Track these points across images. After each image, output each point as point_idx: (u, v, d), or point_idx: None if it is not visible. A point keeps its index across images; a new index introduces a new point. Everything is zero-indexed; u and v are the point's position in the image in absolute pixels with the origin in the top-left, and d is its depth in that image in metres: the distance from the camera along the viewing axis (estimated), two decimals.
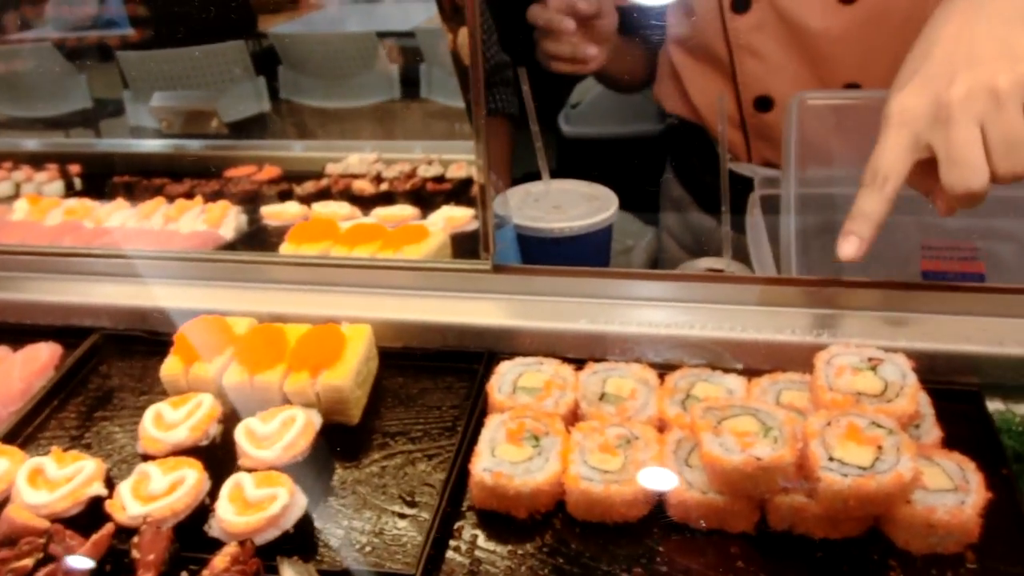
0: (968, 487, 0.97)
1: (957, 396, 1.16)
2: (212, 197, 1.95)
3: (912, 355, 1.15)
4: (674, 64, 1.73)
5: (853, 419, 1.00)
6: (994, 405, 1.18)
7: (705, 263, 1.61)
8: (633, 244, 2.38)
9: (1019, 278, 1.45)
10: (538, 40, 1.58)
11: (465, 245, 1.64)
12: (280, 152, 2.27)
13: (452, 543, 1.05)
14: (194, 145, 2.38)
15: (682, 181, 1.98)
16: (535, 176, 1.68)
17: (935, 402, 1.12)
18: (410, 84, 2.79)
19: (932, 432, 1.07)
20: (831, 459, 0.96)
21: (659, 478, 1.03)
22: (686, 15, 1.65)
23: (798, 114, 1.61)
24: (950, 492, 0.97)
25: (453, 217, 1.73)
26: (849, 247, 1.06)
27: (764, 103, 1.65)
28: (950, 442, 1.06)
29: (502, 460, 1.07)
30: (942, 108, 0.98)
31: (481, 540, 1.05)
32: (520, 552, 1.02)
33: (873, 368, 1.09)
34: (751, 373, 1.21)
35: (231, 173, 2.08)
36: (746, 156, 1.75)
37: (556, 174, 1.69)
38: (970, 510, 0.95)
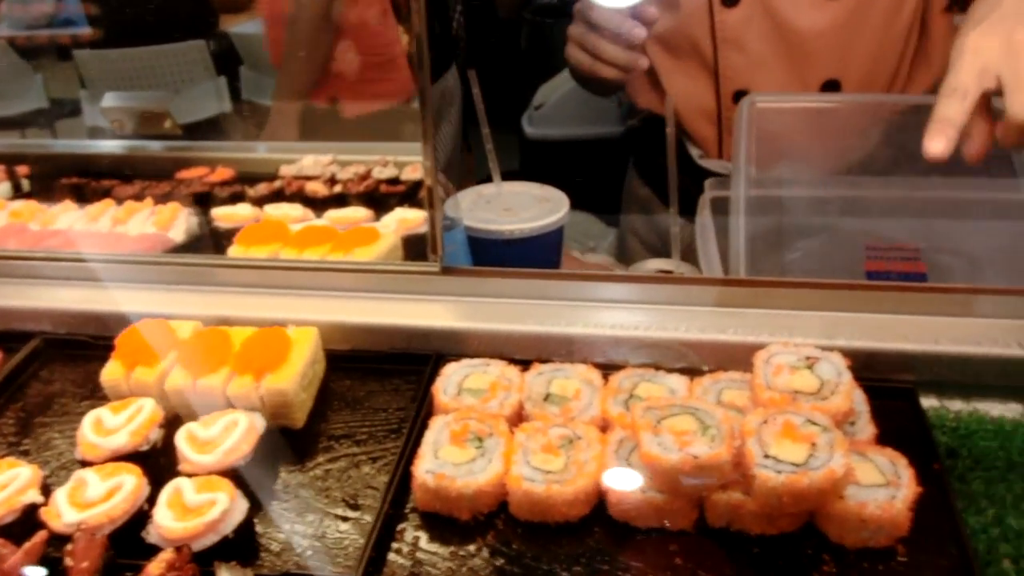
0: (899, 482, 1.00)
1: (893, 393, 1.19)
2: (163, 199, 1.92)
3: (851, 353, 1.17)
4: (652, 59, 1.73)
5: (789, 417, 1.02)
6: (929, 402, 1.21)
7: (655, 264, 1.63)
8: (595, 245, 2.40)
9: (958, 278, 1.49)
10: (590, 44, 1.52)
11: (418, 247, 1.63)
12: (238, 153, 2.25)
13: (394, 545, 1.04)
14: (154, 146, 2.35)
15: (648, 180, 1.99)
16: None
17: (871, 399, 1.14)
18: None
19: (867, 429, 1.09)
20: (766, 456, 0.98)
21: (600, 478, 1.04)
22: (672, 9, 1.66)
23: (748, 116, 1.63)
24: (882, 487, 0.99)
25: (406, 219, 1.72)
26: (937, 145, 1.10)
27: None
28: (885, 438, 1.09)
29: (445, 462, 1.07)
30: (1012, 45, 1.07)
31: (423, 542, 1.05)
32: (461, 553, 1.03)
33: (810, 367, 1.11)
34: (695, 373, 1.22)
35: (183, 175, 2.06)
36: (717, 152, 1.77)
37: (519, 175, 1.69)
38: (900, 504, 0.97)
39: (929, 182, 1.66)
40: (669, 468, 0.98)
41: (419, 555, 1.03)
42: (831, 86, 1.65)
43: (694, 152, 1.80)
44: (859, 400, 1.12)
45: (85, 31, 2.81)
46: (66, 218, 1.85)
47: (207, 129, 2.60)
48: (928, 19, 1.64)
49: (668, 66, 1.71)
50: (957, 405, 1.21)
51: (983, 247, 1.56)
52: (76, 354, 1.40)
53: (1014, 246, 1.53)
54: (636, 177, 2.03)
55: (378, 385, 1.31)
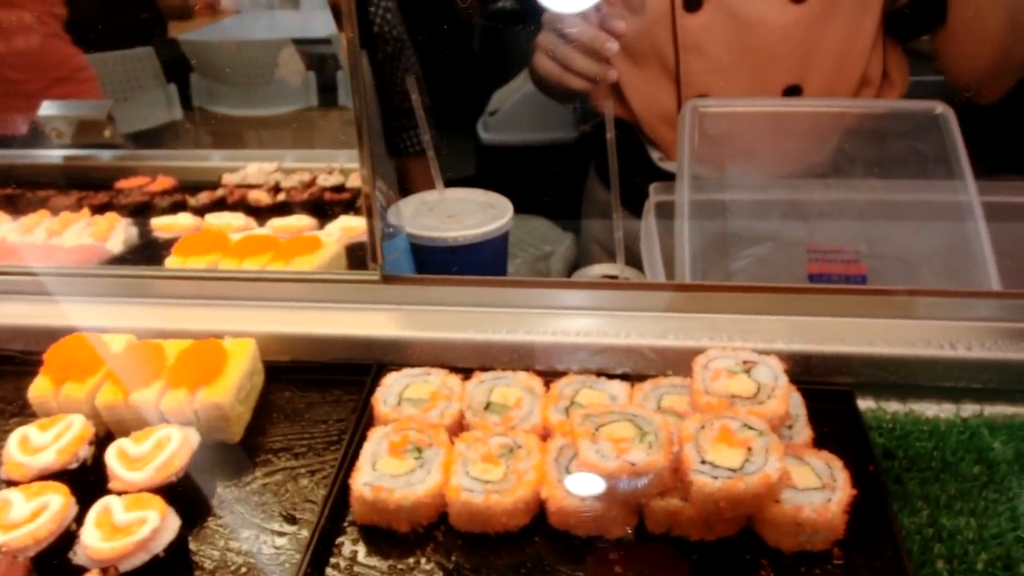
0: (835, 485, 1.00)
1: (830, 396, 1.20)
2: (101, 209, 1.88)
3: (790, 357, 1.18)
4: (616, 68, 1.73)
5: (726, 422, 1.02)
6: (866, 403, 1.22)
7: (600, 269, 1.63)
8: (551, 250, 2.40)
9: (897, 279, 1.51)
10: (560, 55, 1.53)
11: (362, 255, 1.61)
12: (181, 162, 2.21)
13: (332, 560, 1.02)
14: (96, 155, 2.30)
15: (607, 184, 1.99)
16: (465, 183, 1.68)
17: (809, 402, 1.15)
18: (328, 91, 2.75)
19: (804, 432, 1.10)
20: (703, 462, 0.98)
21: (540, 487, 1.03)
22: (635, 14, 1.66)
23: (692, 121, 1.65)
24: (817, 491, 1.00)
25: (350, 227, 1.71)
26: None
27: None
28: (822, 441, 1.10)
29: (383, 474, 1.05)
30: None
31: (361, 555, 1.03)
32: (400, 566, 1.01)
33: (747, 371, 1.11)
34: (636, 379, 1.22)
35: (122, 184, 2.02)
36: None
37: (475, 180, 1.68)
38: (835, 507, 0.97)
39: (869, 184, 1.69)
40: (606, 476, 0.98)
41: (357, 569, 1.01)
42: (792, 92, 1.67)
43: (655, 155, 1.80)
44: (796, 403, 1.13)
45: None
46: None
47: (157, 137, 2.56)
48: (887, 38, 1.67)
49: (629, 71, 1.72)
50: (893, 406, 1.22)
51: (921, 249, 1.58)
52: (5, 370, 1.36)
53: (949, 247, 1.56)
54: (596, 180, 2.03)
55: (318, 396, 1.29)
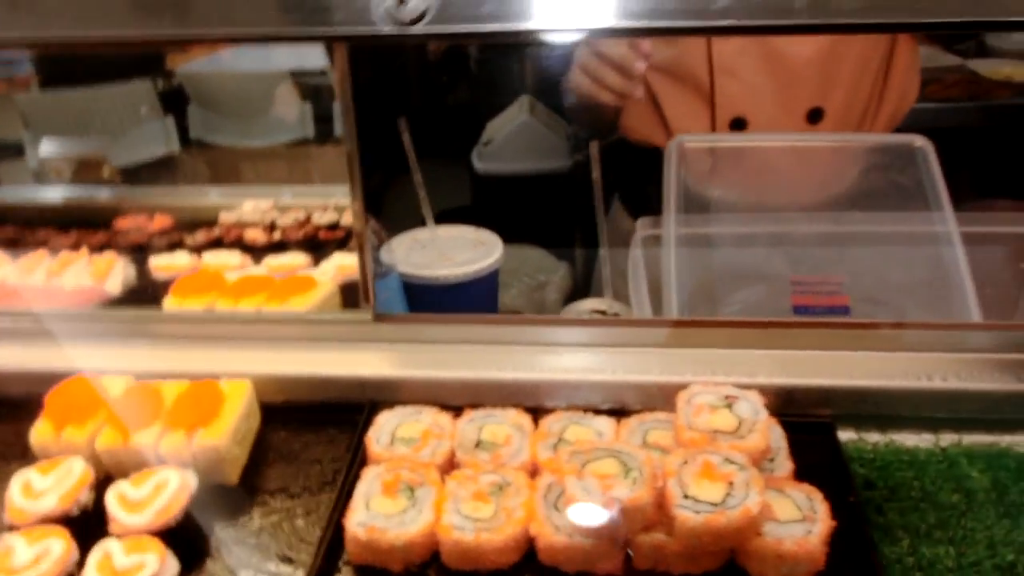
0: (815, 516, 1.03)
1: (811, 428, 1.23)
2: (100, 249, 1.91)
3: (772, 390, 1.22)
4: (653, 88, 1.80)
5: (708, 456, 1.05)
6: (847, 435, 1.25)
7: (589, 304, 1.66)
8: (546, 280, 2.43)
9: (879, 311, 1.55)
10: (593, 68, 1.66)
11: (356, 294, 1.64)
12: (178, 200, 2.24)
13: None
14: (94, 193, 2.34)
15: (635, 214, 2.02)
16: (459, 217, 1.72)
17: (791, 434, 1.18)
18: (324, 122, 2.80)
19: (785, 464, 1.13)
20: (686, 497, 1.01)
21: (528, 523, 1.06)
22: (672, 39, 1.74)
23: (678, 156, 1.69)
24: (798, 523, 1.03)
25: (344, 265, 1.74)
26: None
27: (739, 124, 1.75)
28: (803, 473, 1.12)
29: (376, 513, 1.08)
30: None
31: None
32: None
33: (729, 406, 1.15)
34: (624, 414, 1.25)
35: (121, 224, 2.05)
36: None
37: (469, 210, 1.73)
38: (816, 539, 1.00)
39: (851, 216, 1.73)
40: (593, 512, 1.00)
41: None
42: (816, 113, 1.74)
43: (688, 181, 1.85)
44: (777, 436, 1.16)
45: (27, 71, 2.79)
46: None
47: (155, 169, 2.59)
48: (894, 52, 1.72)
49: (668, 91, 1.79)
50: (874, 437, 1.25)
51: (902, 280, 1.62)
52: (5, 413, 1.38)
53: (931, 279, 1.60)
54: (622, 210, 2.05)
55: (313, 436, 1.32)
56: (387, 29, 0.93)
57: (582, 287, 2.16)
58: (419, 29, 0.92)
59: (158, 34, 0.98)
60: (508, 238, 1.71)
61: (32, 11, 1.02)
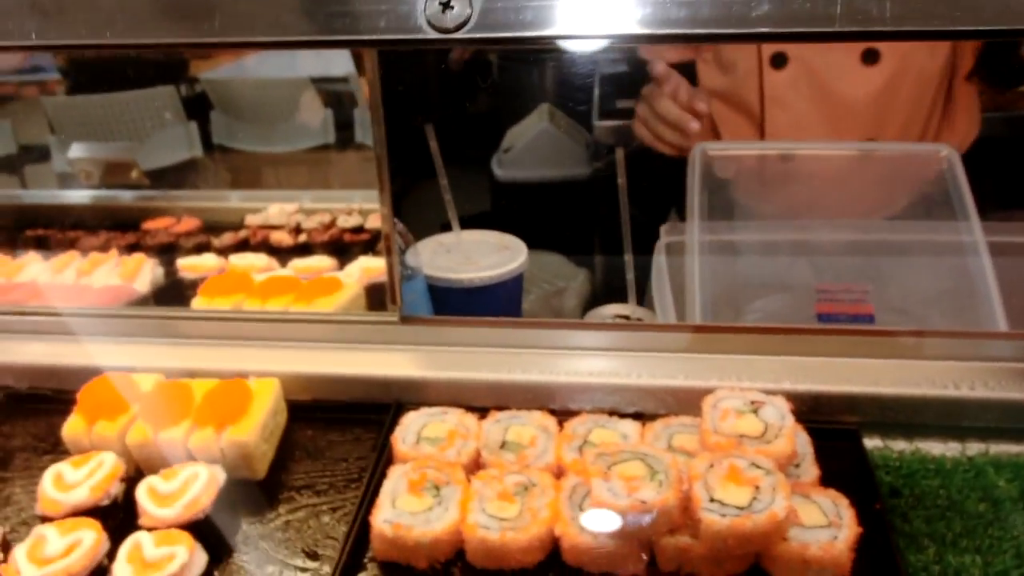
0: (841, 522, 1.03)
1: (837, 435, 1.23)
2: (128, 250, 1.94)
3: (798, 396, 1.21)
4: (712, 111, 1.84)
5: (734, 461, 1.05)
6: (873, 442, 1.25)
7: (612, 309, 1.67)
8: (565, 286, 2.44)
9: (904, 319, 1.54)
10: (651, 123, 1.73)
11: (381, 296, 1.66)
12: (204, 202, 2.27)
13: None
14: (121, 196, 2.37)
15: (655, 220, 2.04)
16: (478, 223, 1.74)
17: (816, 441, 1.18)
18: (344, 128, 2.83)
19: (811, 470, 1.13)
20: (712, 500, 1.01)
21: (554, 524, 1.07)
22: (728, 71, 1.78)
23: (701, 163, 1.70)
24: (824, 528, 1.02)
25: (369, 268, 1.76)
26: None
27: (787, 156, 1.77)
28: (829, 479, 1.12)
29: (402, 511, 1.09)
30: None
31: None
32: None
33: (755, 411, 1.15)
34: (648, 417, 1.26)
35: (149, 225, 2.08)
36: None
37: (489, 216, 1.74)
38: (842, 544, 1.00)
39: (876, 225, 1.73)
40: (618, 513, 1.01)
41: None
42: None
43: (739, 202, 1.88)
44: (803, 442, 1.16)
45: (54, 77, 2.84)
46: (31, 270, 1.86)
47: (178, 174, 2.63)
48: (954, 86, 1.73)
49: (726, 119, 1.81)
50: (900, 445, 1.25)
51: (928, 289, 1.62)
52: (38, 408, 1.41)
53: (956, 287, 1.59)
54: (677, 219, 2.08)
55: (339, 435, 1.33)
56: (431, 35, 0.94)
57: (601, 293, 2.16)
58: (462, 35, 0.93)
59: (201, 40, 1.00)
60: (527, 244, 1.72)
61: (62, 19, 1.04)
